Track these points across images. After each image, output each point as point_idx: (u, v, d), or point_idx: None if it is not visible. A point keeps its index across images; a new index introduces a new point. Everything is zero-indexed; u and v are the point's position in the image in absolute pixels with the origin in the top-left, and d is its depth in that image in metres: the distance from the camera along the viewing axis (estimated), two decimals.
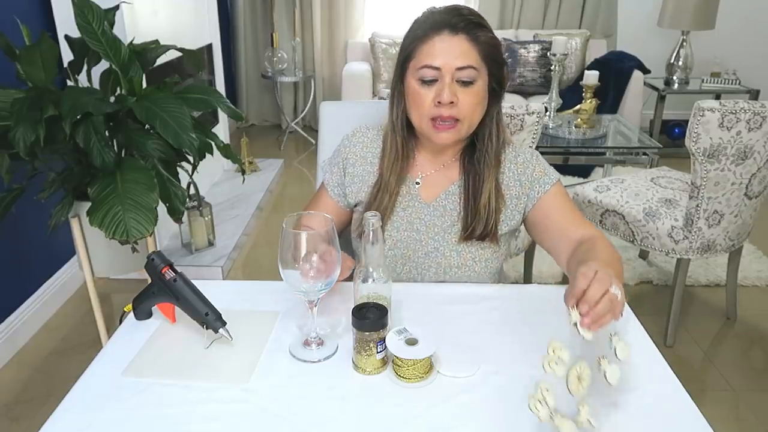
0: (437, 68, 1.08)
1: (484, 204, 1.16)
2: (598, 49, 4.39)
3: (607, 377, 0.77)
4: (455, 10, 1.11)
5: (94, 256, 1.99)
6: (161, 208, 1.83)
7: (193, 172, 2.06)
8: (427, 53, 1.09)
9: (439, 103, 1.09)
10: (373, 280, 0.95)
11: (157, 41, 2.13)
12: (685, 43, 4.27)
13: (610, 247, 1.08)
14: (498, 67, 1.13)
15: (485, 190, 1.16)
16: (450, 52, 1.08)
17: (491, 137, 1.18)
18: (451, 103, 1.08)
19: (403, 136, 1.19)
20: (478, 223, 1.17)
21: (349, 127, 1.30)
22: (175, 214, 1.98)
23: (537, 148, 2.08)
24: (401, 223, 1.22)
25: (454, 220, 1.20)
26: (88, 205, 1.71)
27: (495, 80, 1.14)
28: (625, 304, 0.87)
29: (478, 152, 1.18)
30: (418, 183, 1.22)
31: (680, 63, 4.31)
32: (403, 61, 1.14)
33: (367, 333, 0.89)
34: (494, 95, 1.16)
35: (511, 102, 2.07)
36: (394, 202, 1.20)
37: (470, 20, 1.09)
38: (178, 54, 2.13)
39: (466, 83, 1.09)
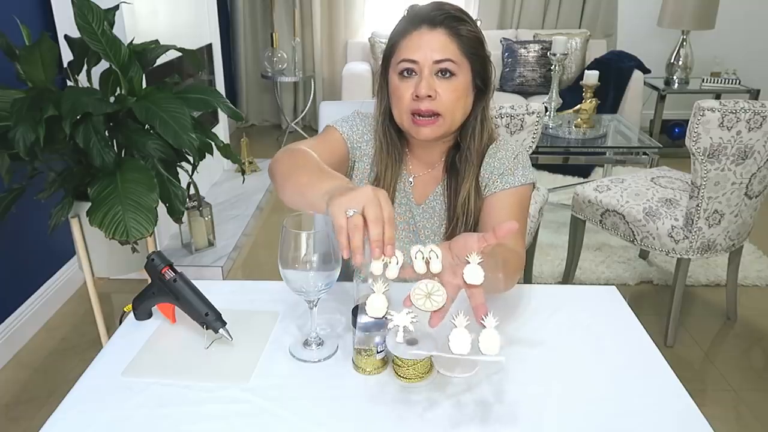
0: (415, 61, 1.07)
1: (462, 203, 1.15)
2: (598, 49, 4.39)
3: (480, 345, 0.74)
4: (437, 5, 1.10)
5: (94, 256, 1.99)
6: (161, 208, 1.83)
7: (193, 172, 2.06)
8: (406, 47, 1.08)
9: (417, 96, 1.07)
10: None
11: (157, 41, 2.13)
12: (685, 43, 4.27)
13: (514, 261, 1.04)
14: (481, 63, 1.11)
15: (463, 189, 1.15)
16: (428, 46, 1.07)
17: (474, 137, 1.16)
18: (429, 96, 1.07)
19: (389, 132, 1.18)
20: (458, 223, 1.16)
21: None
22: (175, 214, 1.98)
23: (537, 148, 2.09)
24: (399, 222, 1.22)
25: (442, 221, 1.20)
26: (88, 205, 1.71)
27: (479, 77, 1.12)
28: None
29: (461, 151, 1.16)
30: (411, 182, 1.22)
31: (680, 63, 4.31)
32: (385, 58, 1.14)
33: (366, 334, 0.89)
34: (479, 93, 1.14)
35: (511, 102, 2.08)
36: (392, 199, 1.20)
37: (450, 14, 1.08)
38: (178, 54, 2.13)
39: (446, 76, 1.07)
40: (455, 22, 1.08)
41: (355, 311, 0.90)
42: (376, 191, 0.77)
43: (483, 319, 0.74)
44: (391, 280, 0.77)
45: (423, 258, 0.78)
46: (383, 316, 0.76)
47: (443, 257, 0.79)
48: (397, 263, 0.77)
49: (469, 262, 0.77)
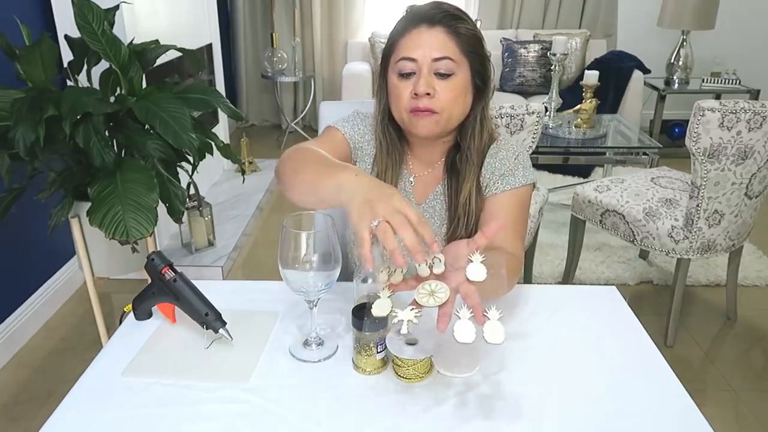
0: (414, 60, 1.07)
1: (463, 203, 1.15)
2: (598, 49, 4.39)
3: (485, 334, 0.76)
4: (435, 4, 1.10)
5: (94, 256, 1.99)
6: (161, 208, 1.83)
7: (193, 172, 2.06)
8: (405, 46, 1.09)
9: (416, 95, 1.07)
10: (373, 280, 0.95)
11: (157, 41, 2.13)
12: (685, 43, 4.27)
13: (512, 264, 1.04)
14: (480, 61, 1.11)
15: (465, 189, 1.15)
16: (427, 44, 1.07)
17: (474, 136, 1.16)
18: (428, 94, 1.07)
19: (389, 132, 1.18)
20: (459, 224, 1.16)
21: None
22: (175, 214, 1.98)
23: (537, 148, 2.09)
24: None
25: (443, 220, 1.20)
26: (88, 205, 1.71)
27: (478, 76, 1.12)
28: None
29: (461, 151, 1.17)
30: (411, 182, 1.22)
31: (680, 63, 4.31)
32: (384, 57, 1.14)
33: (367, 333, 0.89)
34: (478, 93, 1.14)
35: (511, 102, 2.08)
36: None
37: (449, 13, 1.08)
38: (178, 54, 2.13)
39: (444, 75, 1.07)
40: (454, 20, 1.08)
41: (355, 311, 0.90)
42: (393, 202, 0.78)
43: (486, 313, 0.76)
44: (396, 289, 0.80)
45: (427, 265, 0.80)
46: (387, 314, 0.78)
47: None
48: (402, 272, 0.80)
49: (471, 261, 0.78)
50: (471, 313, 0.76)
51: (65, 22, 2.27)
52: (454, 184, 1.17)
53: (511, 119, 1.93)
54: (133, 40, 2.11)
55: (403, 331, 0.78)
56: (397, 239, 0.77)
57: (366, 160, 1.22)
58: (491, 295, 0.99)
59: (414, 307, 0.78)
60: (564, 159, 3.17)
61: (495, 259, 0.82)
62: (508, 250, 1.07)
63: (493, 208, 1.15)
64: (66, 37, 2.01)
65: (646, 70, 4.10)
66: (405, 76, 1.09)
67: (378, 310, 0.79)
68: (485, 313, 0.76)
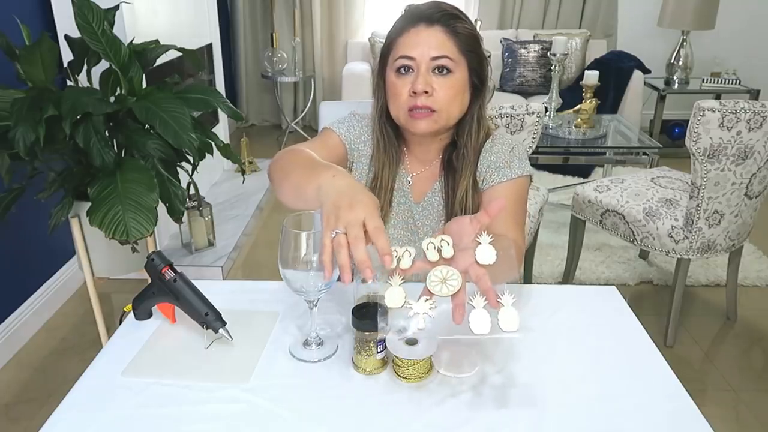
0: (413, 58, 1.08)
1: (459, 200, 1.16)
2: (598, 49, 4.40)
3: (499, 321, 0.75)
4: (434, 4, 1.11)
5: (94, 256, 1.99)
6: (161, 208, 1.83)
7: (193, 172, 2.06)
8: (404, 44, 1.09)
9: (414, 93, 1.08)
10: (373, 280, 0.94)
11: (157, 41, 2.13)
12: (685, 43, 4.27)
13: (514, 252, 1.02)
14: (478, 60, 1.12)
15: (461, 186, 1.16)
16: (426, 43, 1.07)
17: (471, 135, 1.16)
18: (426, 92, 1.07)
19: (386, 130, 1.18)
20: None
21: None
22: (175, 214, 1.98)
23: (537, 148, 2.09)
24: (398, 221, 1.23)
25: (441, 217, 1.21)
26: (88, 205, 1.71)
27: (476, 75, 1.12)
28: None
29: (458, 149, 1.17)
30: (409, 181, 1.23)
31: (680, 63, 4.31)
32: (383, 56, 1.14)
33: (367, 333, 0.89)
34: (476, 91, 1.14)
35: (511, 102, 2.08)
36: (390, 199, 1.21)
37: (447, 12, 1.09)
38: (178, 54, 2.13)
39: (442, 72, 1.08)
40: (452, 19, 1.09)
41: (355, 311, 0.90)
42: (357, 211, 0.76)
43: (499, 300, 0.75)
44: (407, 278, 0.79)
45: (435, 248, 0.79)
46: (402, 306, 0.77)
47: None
48: (410, 255, 0.78)
49: (480, 243, 0.78)
50: (485, 300, 0.75)
51: (65, 22, 2.27)
52: (451, 181, 1.18)
53: (511, 119, 1.93)
54: (133, 40, 2.11)
55: (420, 326, 0.76)
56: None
57: (362, 161, 1.23)
58: (500, 278, 0.98)
59: (427, 297, 0.77)
60: (564, 159, 3.17)
61: (502, 241, 0.81)
62: (511, 238, 1.07)
63: (491, 199, 1.15)
64: (66, 37, 2.01)
65: (646, 70, 4.10)
66: (403, 74, 1.09)
67: (391, 300, 0.77)
68: (498, 299, 0.75)
